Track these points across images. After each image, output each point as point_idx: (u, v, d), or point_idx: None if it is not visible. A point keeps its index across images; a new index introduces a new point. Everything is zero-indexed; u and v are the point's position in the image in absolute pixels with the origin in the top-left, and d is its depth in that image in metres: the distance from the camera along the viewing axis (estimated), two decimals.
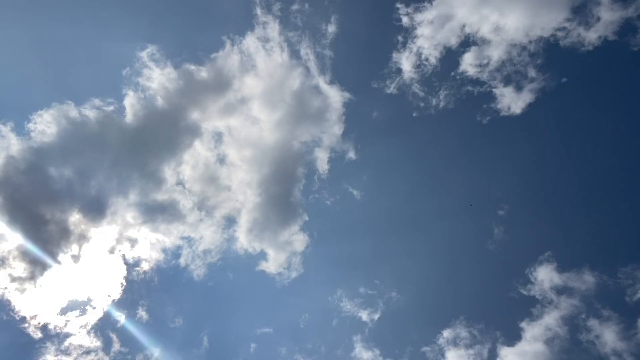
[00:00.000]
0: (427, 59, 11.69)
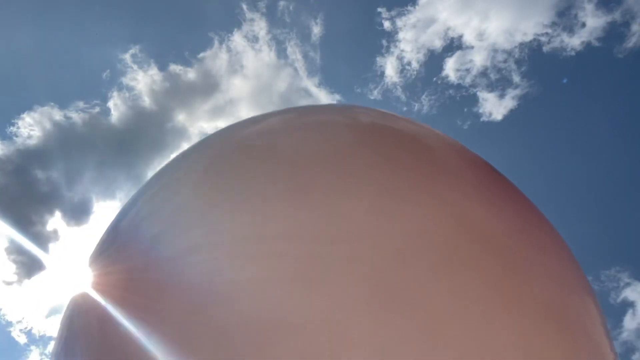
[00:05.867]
0: (409, 64, 11.72)
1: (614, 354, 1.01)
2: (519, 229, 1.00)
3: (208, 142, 1.28)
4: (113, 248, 1.14)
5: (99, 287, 1.08)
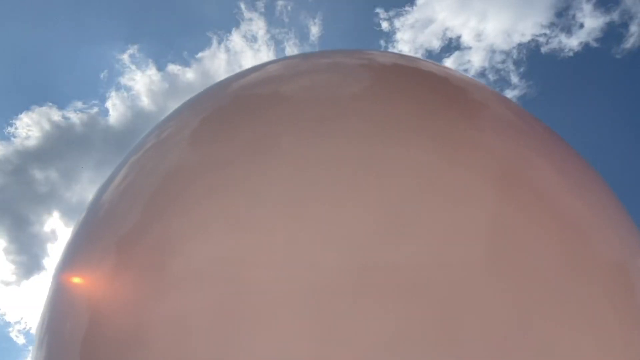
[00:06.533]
0: None
1: None
2: (574, 183, 0.87)
3: (201, 98, 1.12)
4: (96, 220, 1.01)
5: (84, 262, 0.95)
